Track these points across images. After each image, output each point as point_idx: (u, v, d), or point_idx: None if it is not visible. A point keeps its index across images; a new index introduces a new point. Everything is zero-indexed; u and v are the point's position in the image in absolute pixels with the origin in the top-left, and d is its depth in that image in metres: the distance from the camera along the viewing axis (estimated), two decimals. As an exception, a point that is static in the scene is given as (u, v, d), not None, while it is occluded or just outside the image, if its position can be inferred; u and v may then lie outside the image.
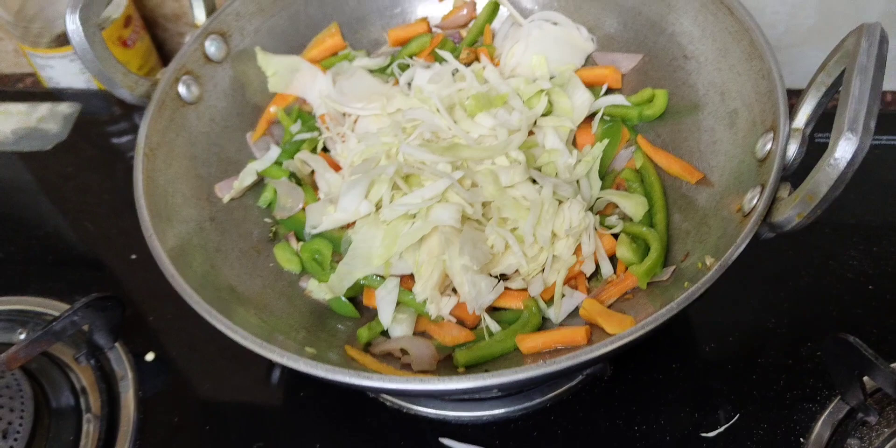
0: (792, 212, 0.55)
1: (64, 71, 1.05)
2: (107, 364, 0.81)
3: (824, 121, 0.62)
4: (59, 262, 0.91)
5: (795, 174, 0.61)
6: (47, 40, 1.03)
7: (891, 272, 0.80)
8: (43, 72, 1.07)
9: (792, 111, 0.62)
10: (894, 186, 0.87)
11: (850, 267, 0.81)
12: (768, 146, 0.62)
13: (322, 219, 0.72)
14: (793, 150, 0.61)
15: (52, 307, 0.85)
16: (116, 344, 0.81)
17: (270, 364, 0.79)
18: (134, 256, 0.89)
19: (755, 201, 0.60)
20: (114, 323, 0.79)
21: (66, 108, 1.06)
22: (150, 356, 0.81)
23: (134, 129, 1.05)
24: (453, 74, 0.78)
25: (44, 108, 1.06)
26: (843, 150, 0.50)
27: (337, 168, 0.76)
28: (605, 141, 0.76)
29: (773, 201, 0.59)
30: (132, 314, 0.82)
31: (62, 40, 1.02)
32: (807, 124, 0.62)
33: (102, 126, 1.06)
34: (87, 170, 1.01)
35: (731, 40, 0.70)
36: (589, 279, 0.70)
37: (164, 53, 1.18)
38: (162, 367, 0.81)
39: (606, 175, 0.76)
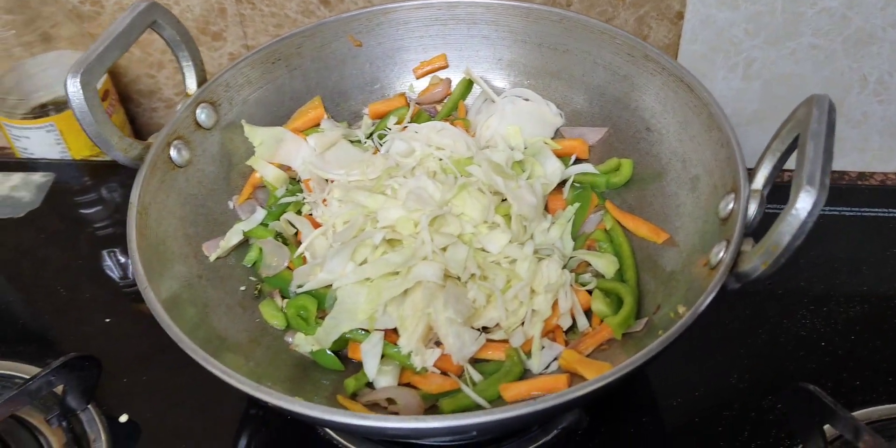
0: (758, 261, 0.59)
1: (39, 142, 1.07)
2: (79, 426, 0.80)
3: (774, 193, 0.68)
4: (31, 326, 0.91)
5: (754, 233, 0.66)
6: (23, 112, 1.05)
7: (840, 329, 0.85)
8: (17, 142, 1.08)
9: (750, 174, 0.68)
10: (837, 253, 0.94)
11: (803, 325, 0.86)
12: (730, 206, 0.68)
13: (308, 279, 0.74)
14: (753, 209, 0.66)
15: (22, 371, 0.84)
16: (89, 405, 0.80)
17: (238, 430, 0.80)
18: (108, 320, 0.89)
19: (721, 254, 0.64)
20: (88, 384, 0.79)
21: (39, 178, 1.07)
22: (123, 418, 0.80)
23: (102, 201, 1.07)
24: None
25: (17, 178, 1.08)
26: (804, 201, 0.55)
27: (318, 227, 0.79)
28: (577, 205, 0.81)
29: (738, 254, 0.63)
30: (106, 376, 0.82)
31: (38, 112, 1.05)
32: (764, 186, 0.68)
33: (73, 196, 1.08)
34: (59, 236, 1.01)
35: (691, 114, 0.76)
36: (566, 333, 0.74)
37: (136, 127, 1.22)
38: (135, 428, 0.80)
39: (577, 238, 0.80)
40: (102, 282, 0.95)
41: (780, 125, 0.67)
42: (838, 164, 1.13)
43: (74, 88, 0.69)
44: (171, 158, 0.77)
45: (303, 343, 0.73)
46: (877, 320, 0.86)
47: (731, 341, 0.84)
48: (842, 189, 1.05)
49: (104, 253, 1.00)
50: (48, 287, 0.95)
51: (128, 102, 1.19)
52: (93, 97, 0.70)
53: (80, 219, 1.05)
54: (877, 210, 0.98)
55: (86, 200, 1.08)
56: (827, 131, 0.59)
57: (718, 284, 0.62)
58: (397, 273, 0.71)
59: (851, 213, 0.98)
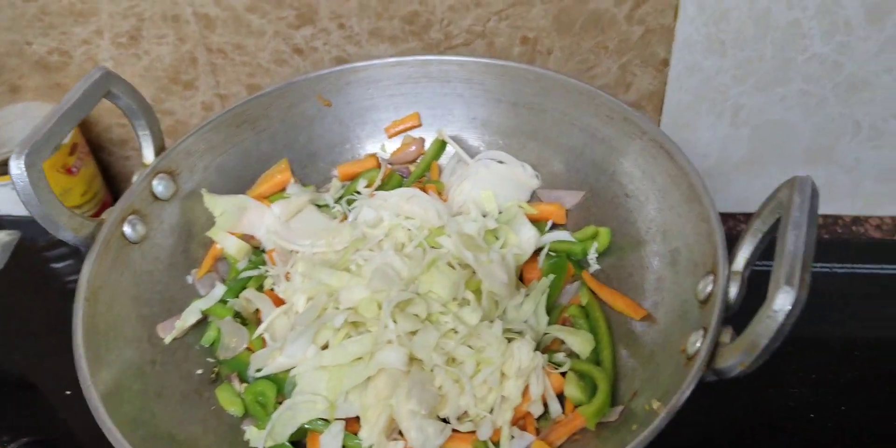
0: (734, 361, 0.55)
1: (4, 199, 1.04)
2: (34, 513, 0.77)
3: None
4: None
5: (737, 315, 0.62)
6: (-17, 169, 1.02)
7: (830, 400, 0.81)
8: (-20, 200, 1.05)
9: (730, 254, 0.64)
10: (824, 311, 0.89)
11: (791, 395, 0.82)
12: (709, 288, 0.64)
13: (267, 363, 0.71)
14: (733, 292, 0.62)
15: (-21, 450, 0.81)
16: (45, 492, 0.77)
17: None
18: (69, 392, 0.86)
19: (698, 344, 0.61)
20: (44, 468, 0.76)
21: (3, 236, 1.04)
22: (81, 505, 0.77)
23: (73, 254, 1.04)
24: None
25: (-19, 237, 1.05)
26: (782, 302, 0.52)
27: (280, 303, 0.75)
28: (552, 276, 0.77)
29: (716, 345, 0.60)
30: (65, 455, 0.79)
31: (2, 169, 1.02)
32: (745, 267, 0.64)
33: (41, 252, 1.05)
34: (25, 299, 0.98)
35: (670, 183, 0.73)
36: (537, 418, 0.70)
37: (109, 176, 1.18)
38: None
39: (552, 310, 0.76)
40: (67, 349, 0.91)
41: (762, 204, 0.63)
42: (829, 209, 1.09)
43: (18, 171, 0.66)
44: (124, 235, 0.73)
45: (255, 438, 0.68)
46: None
47: (713, 415, 0.79)
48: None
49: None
50: (9, 356, 0.91)
51: (100, 152, 1.16)
52: (38, 179, 0.67)
53: (51, 275, 1.03)
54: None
55: (55, 255, 1.05)
56: (808, 221, 0.56)
57: (694, 381, 0.58)
58: (360, 357, 0.68)
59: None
